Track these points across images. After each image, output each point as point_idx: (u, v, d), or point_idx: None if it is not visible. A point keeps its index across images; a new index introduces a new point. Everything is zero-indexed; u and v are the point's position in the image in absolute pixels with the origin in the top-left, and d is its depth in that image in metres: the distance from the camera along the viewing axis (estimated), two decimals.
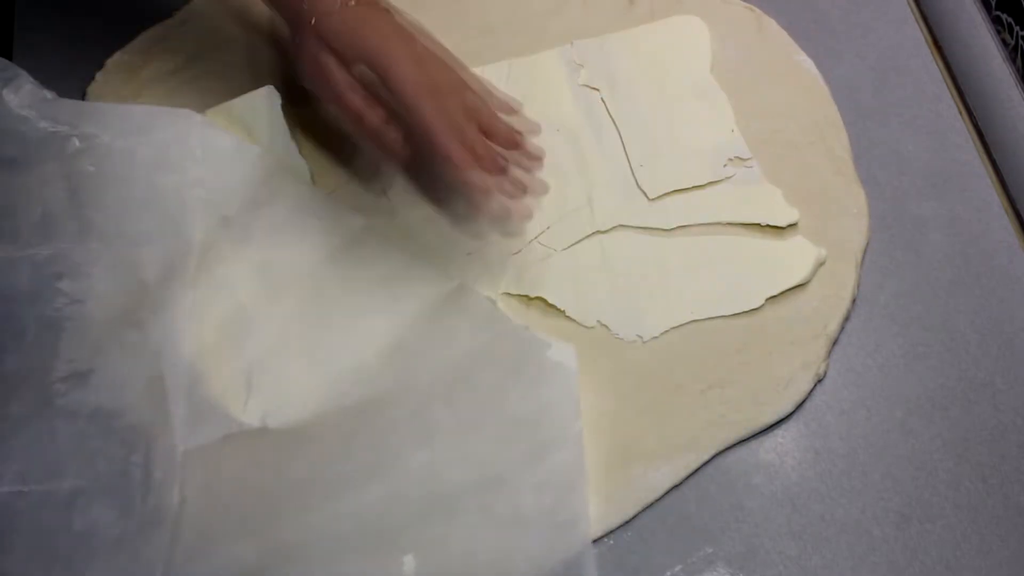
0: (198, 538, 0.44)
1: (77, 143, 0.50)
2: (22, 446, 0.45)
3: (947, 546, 0.48)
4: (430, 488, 0.46)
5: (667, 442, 0.50)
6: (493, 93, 0.55)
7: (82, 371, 0.46)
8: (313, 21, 0.52)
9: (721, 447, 0.50)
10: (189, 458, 0.46)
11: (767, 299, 0.54)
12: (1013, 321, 0.55)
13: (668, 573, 0.47)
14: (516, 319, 0.53)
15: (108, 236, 0.49)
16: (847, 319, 0.54)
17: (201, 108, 0.59)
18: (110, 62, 0.62)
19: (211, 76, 0.61)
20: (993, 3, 0.65)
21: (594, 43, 0.64)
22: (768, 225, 0.56)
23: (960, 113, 0.63)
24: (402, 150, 0.53)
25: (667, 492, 0.49)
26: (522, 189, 0.53)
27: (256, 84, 0.58)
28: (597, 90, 0.61)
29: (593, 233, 0.56)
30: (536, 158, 0.54)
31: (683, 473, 0.49)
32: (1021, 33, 0.63)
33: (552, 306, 0.53)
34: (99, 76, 0.62)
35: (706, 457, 0.50)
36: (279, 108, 0.56)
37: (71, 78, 0.62)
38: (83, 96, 0.61)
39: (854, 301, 0.55)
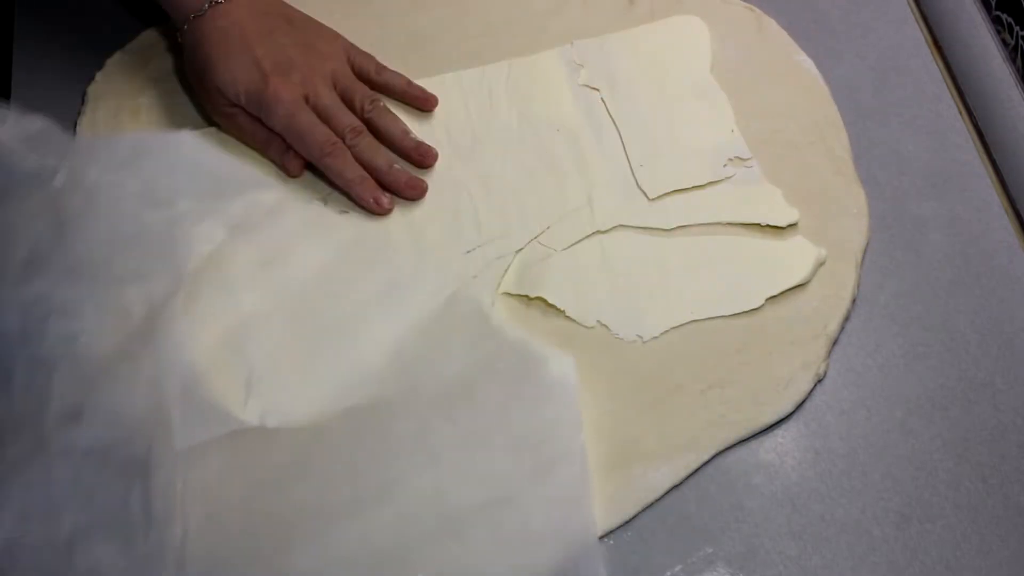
0: (204, 571, 0.43)
1: (64, 178, 0.50)
2: (19, 490, 0.44)
3: (947, 546, 0.48)
4: (439, 509, 0.45)
5: (667, 442, 0.50)
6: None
7: (75, 408, 0.45)
8: (183, 28, 0.57)
9: (721, 447, 0.50)
10: (190, 470, 0.45)
11: (767, 299, 0.54)
12: (1013, 321, 0.55)
13: (668, 573, 0.47)
14: (516, 319, 0.53)
15: (97, 274, 0.49)
16: (847, 319, 0.54)
17: (201, 109, 0.60)
18: (110, 62, 0.62)
19: None
20: (993, 3, 0.65)
21: (594, 43, 0.64)
22: (768, 225, 0.56)
23: (960, 113, 0.63)
24: (292, 164, 0.56)
25: (667, 492, 0.49)
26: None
27: None
28: (597, 90, 0.61)
29: (593, 233, 0.56)
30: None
31: (683, 473, 0.49)
32: (1021, 33, 0.63)
33: (552, 306, 0.53)
34: (99, 76, 0.62)
35: (706, 457, 0.50)
36: None
37: (71, 78, 0.62)
38: (83, 96, 0.61)
39: (854, 301, 0.55)
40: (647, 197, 0.57)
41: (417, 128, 0.59)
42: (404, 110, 0.60)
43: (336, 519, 0.45)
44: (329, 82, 0.57)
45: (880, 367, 0.53)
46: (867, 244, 0.57)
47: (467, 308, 0.51)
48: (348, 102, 0.57)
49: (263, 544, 0.44)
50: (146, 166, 0.52)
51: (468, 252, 0.55)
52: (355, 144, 0.56)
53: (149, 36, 0.64)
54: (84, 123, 0.60)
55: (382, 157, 0.56)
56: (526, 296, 0.54)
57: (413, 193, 0.56)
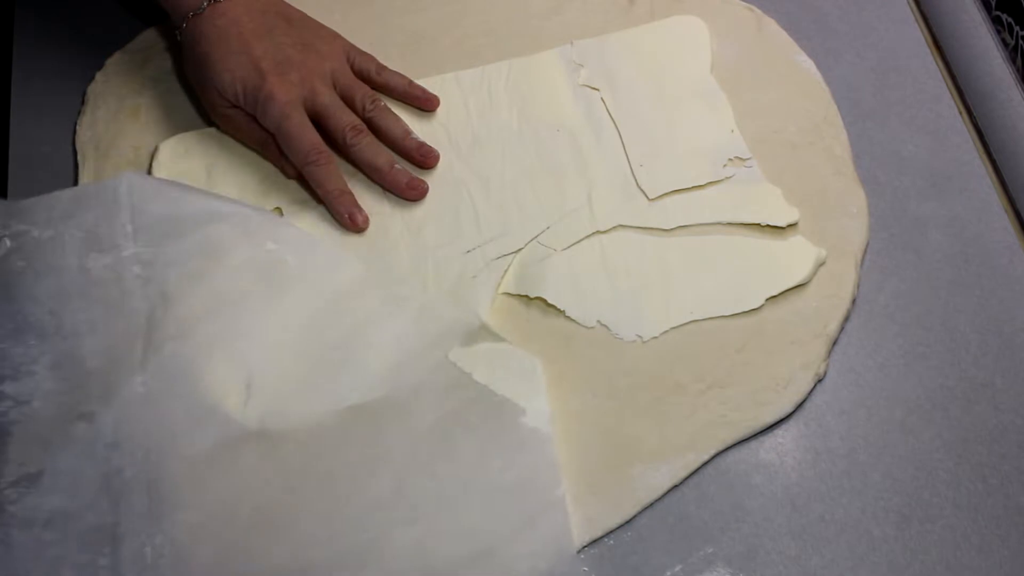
0: None
1: (8, 243, 0.48)
2: None
3: (947, 546, 0.48)
4: (422, 565, 0.44)
5: (667, 442, 0.50)
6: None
7: (33, 473, 0.43)
8: (181, 27, 0.56)
9: (721, 447, 0.50)
10: (158, 536, 0.43)
11: (767, 299, 0.54)
12: (1013, 321, 0.55)
13: (668, 573, 0.47)
14: (516, 319, 0.53)
15: (46, 331, 0.47)
16: (847, 319, 0.54)
17: (201, 109, 0.60)
18: (110, 62, 0.62)
19: None
20: (993, 3, 0.65)
21: (594, 43, 0.64)
22: (768, 225, 0.56)
23: (960, 113, 0.63)
24: (289, 167, 0.56)
25: (667, 492, 0.49)
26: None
27: None
28: (597, 90, 0.61)
29: (593, 233, 0.56)
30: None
31: (683, 473, 0.49)
32: (1021, 33, 0.63)
33: (552, 306, 0.53)
34: (99, 76, 0.62)
35: (706, 457, 0.50)
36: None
37: (71, 78, 0.62)
38: (83, 96, 0.61)
39: (854, 301, 0.55)
40: (647, 197, 0.57)
41: (417, 128, 0.59)
42: (405, 110, 0.60)
43: None
44: (329, 81, 0.57)
45: (880, 367, 0.53)
46: (867, 244, 0.57)
47: (435, 359, 0.49)
48: (348, 102, 0.57)
49: None
50: (87, 215, 0.49)
51: (468, 252, 0.55)
52: (355, 143, 0.55)
53: (149, 36, 0.64)
54: (84, 123, 0.60)
55: (383, 157, 0.56)
56: (526, 296, 0.54)
57: (414, 194, 0.56)
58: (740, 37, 0.65)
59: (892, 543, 0.48)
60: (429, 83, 0.61)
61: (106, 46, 0.63)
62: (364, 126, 0.56)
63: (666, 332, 0.53)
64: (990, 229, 0.58)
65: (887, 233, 0.58)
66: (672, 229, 0.56)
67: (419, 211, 0.57)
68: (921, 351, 0.54)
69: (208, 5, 0.55)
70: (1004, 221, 0.58)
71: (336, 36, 0.60)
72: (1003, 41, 0.64)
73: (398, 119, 0.58)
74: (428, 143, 0.58)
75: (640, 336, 0.53)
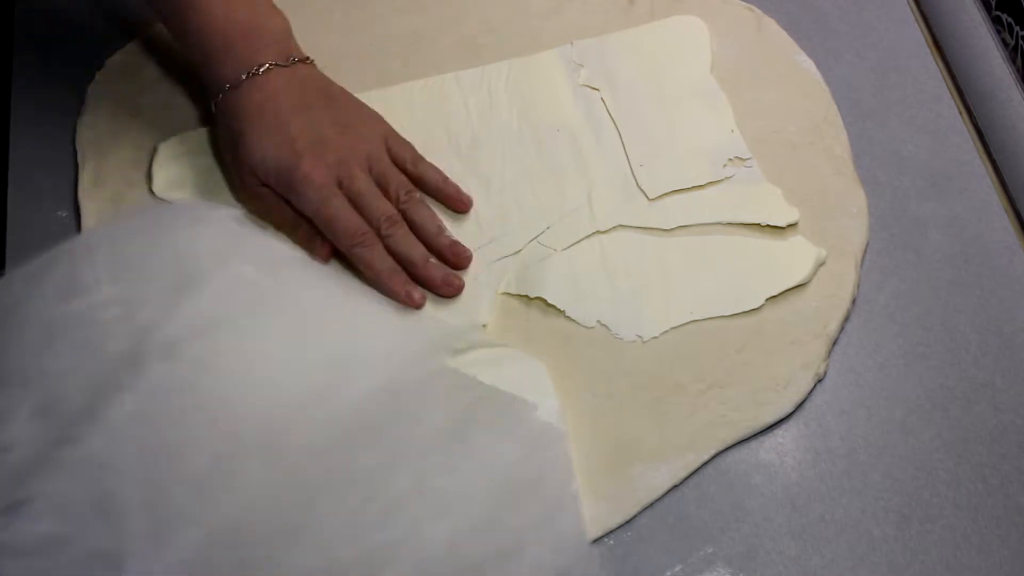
0: None
1: None
2: None
3: (947, 546, 0.48)
4: (454, 560, 0.44)
5: (667, 442, 0.50)
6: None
7: (19, 501, 0.42)
8: (217, 99, 0.54)
9: (721, 447, 0.50)
10: (165, 551, 0.42)
11: (767, 299, 0.54)
12: (1013, 321, 0.54)
13: (668, 573, 0.47)
14: (516, 319, 0.53)
15: (26, 378, 0.45)
16: (847, 319, 0.54)
17: (201, 109, 0.60)
18: (110, 62, 0.62)
19: None
20: (993, 3, 0.65)
21: (594, 43, 0.64)
22: (768, 225, 0.56)
23: (960, 113, 0.63)
24: (321, 251, 0.53)
25: (667, 492, 0.49)
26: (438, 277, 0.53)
27: None
28: (597, 90, 0.61)
29: (593, 233, 0.56)
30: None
31: (683, 473, 0.49)
32: (1021, 33, 0.63)
33: (552, 306, 0.53)
34: (99, 76, 0.62)
35: (706, 457, 0.50)
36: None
37: (71, 78, 0.62)
38: (83, 96, 0.61)
39: (854, 301, 0.55)
40: (647, 197, 0.57)
41: (417, 131, 0.59)
42: (406, 110, 0.60)
43: None
44: (365, 166, 0.54)
45: (880, 367, 0.53)
46: (867, 244, 0.57)
47: (436, 363, 0.49)
48: (383, 189, 0.54)
49: None
50: (60, 267, 0.48)
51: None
52: (390, 234, 0.53)
53: (149, 36, 0.64)
54: (84, 123, 0.60)
55: (417, 250, 0.53)
56: (526, 296, 0.54)
57: (449, 291, 0.53)
58: (740, 37, 0.65)
59: (892, 543, 0.48)
60: (429, 83, 0.61)
61: (106, 46, 0.63)
62: (399, 217, 0.54)
63: (666, 332, 0.53)
64: (990, 229, 0.58)
65: (887, 233, 0.58)
66: (672, 229, 0.56)
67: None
68: (921, 351, 0.54)
69: (246, 79, 0.53)
70: (1004, 221, 0.58)
71: (378, 119, 0.57)
72: (1003, 41, 0.64)
73: (433, 214, 0.55)
74: (462, 243, 0.55)
75: (640, 336, 0.53)
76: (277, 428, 0.46)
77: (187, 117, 0.60)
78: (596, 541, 0.47)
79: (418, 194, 0.55)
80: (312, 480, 0.45)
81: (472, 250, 0.55)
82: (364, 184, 0.53)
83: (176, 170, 0.58)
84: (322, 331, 0.49)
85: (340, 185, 0.53)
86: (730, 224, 0.56)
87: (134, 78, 0.62)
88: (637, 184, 0.57)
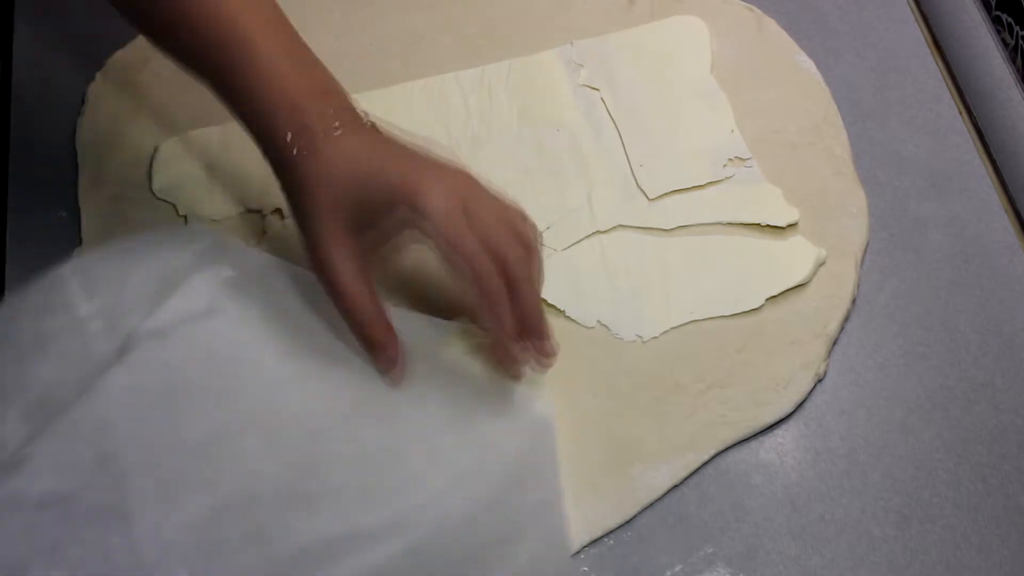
0: None
1: None
2: None
3: (947, 546, 0.48)
4: (471, 535, 0.44)
5: (667, 442, 0.50)
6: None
7: (17, 460, 0.41)
8: (295, 152, 0.46)
9: (721, 447, 0.50)
10: (176, 512, 0.42)
11: (767, 299, 0.54)
12: (1013, 321, 0.54)
13: (668, 573, 0.47)
14: None
15: (8, 393, 0.44)
16: (847, 319, 0.54)
17: (201, 109, 0.60)
18: (110, 62, 0.62)
19: None
20: (993, 3, 0.65)
21: (594, 43, 0.64)
22: (768, 225, 0.56)
23: (960, 113, 0.63)
24: (396, 369, 0.47)
25: (667, 492, 0.49)
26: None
27: None
28: (597, 90, 0.61)
29: (593, 233, 0.56)
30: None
31: (683, 473, 0.49)
32: (1021, 33, 0.63)
33: (552, 306, 0.53)
34: (99, 76, 0.62)
35: (706, 457, 0.50)
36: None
37: (71, 78, 0.62)
38: (83, 96, 0.61)
39: (854, 301, 0.55)
40: (647, 197, 0.57)
41: (417, 129, 0.58)
42: (406, 110, 0.60)
43: (353, 550, 0.42)
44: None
45: (880, 367, 0.53)
46: (867, 244, 0.57)
47: (432, 356, 0.49)
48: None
49: None
50: (44, 291, 0.47)
51: None
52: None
53: None
54: (84, 123, 0.60)
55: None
56: None
57: (548, 362, 0.48)
58: (740, 37, 0.65)
59: (892, 543, 0.48)
60: (429, 83, 0.61)
61: (106, 46, 0.63)
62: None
63: (666, 332, 0.53)
64: (990, 229, 0.58)
65: (887, 233, 0.58)
66: (672, 229, 0.56)
67: None
68: (921, 351, 0.54)
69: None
70: (1004, 221, 0.58)
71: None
72: (1003, 41, 0.64)
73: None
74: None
75: (640, 336, 0.53)
76: (277, 407, 0.45)
77: (187, 117, 0.60)
78: (596, 541, 0.47)
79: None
80: (320, 455, 0.45)
81: None
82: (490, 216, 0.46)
83: (176, 170, 0.58)
84: (313, 322, 0.48)
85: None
86: (730, 224, 0.56)
87: (134, 78, 0.62)
88: (637, 184, 0.57)
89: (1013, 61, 0.63)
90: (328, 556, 0.42)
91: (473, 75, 0.62)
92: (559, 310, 0.53)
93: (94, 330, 0.46)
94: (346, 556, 0.42)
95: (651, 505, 0.48)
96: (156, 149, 0.58)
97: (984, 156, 0.61)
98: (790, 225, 0.56)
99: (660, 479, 0.49)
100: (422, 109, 0.61)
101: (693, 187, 0.57)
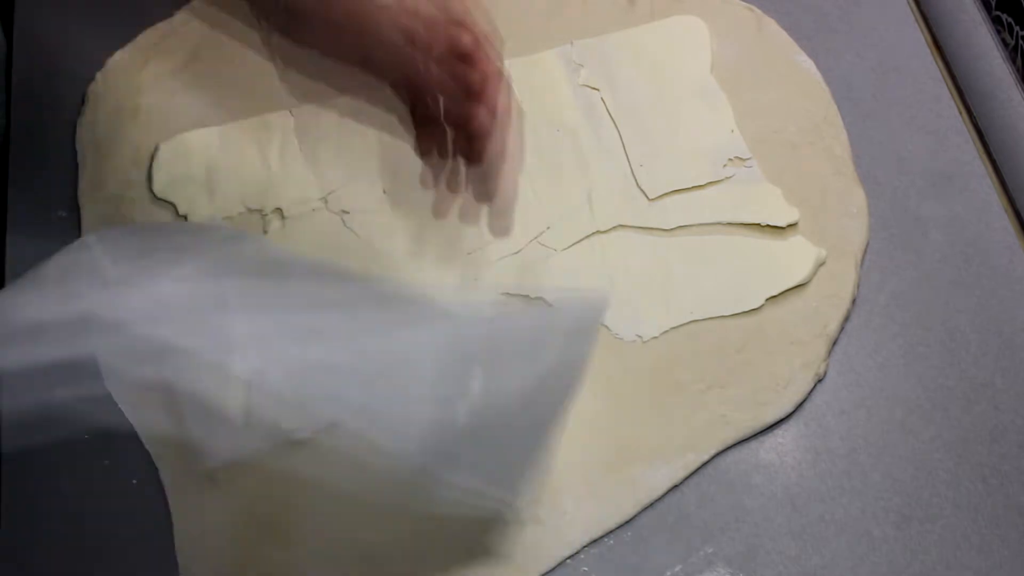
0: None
1: None
2: None
3: (947, 546, 0.48)
4: (522, 415, 0.42)
5: (667, 442, 0.50)
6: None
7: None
8: None
9: (721, 447, 0.50)
10: None
11: (767, 299, 0.54)
12: (1013, 321, 0.54)
13: (668, 573, 0.47)
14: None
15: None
16: (847, 319, 0.54)
17: (201, 109, 0.60)
18: (110, 62, 0.62)
19: (211, 76, 0.61)
20: (993, 3, 0.65)
21: (594, 43, 0.64)
22: (768, 225, 0.56)
23: (960, 113, 0.63)
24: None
25: (667, 492, 0.49)
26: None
27: (256, 84, 0.58)
28: (597, 90, 0.61)
29: (593, 233, 0.56)
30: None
31: (683, 473, 0.49)
32: (1021, 33, 0.63)
33: (552, 306, 0.53)
34: (99, 76, 0.62)
35: (706, 457, 0.50)
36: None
37: (71, 78, 0.62)
38: (83, 96, 0.61)
39: (854, 301, 0.55)
40: (647, 197, 0.57)
41: None
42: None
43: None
44: None
45: (880, 367, 0.53)
46: (867, 244, 0.57)
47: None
48: None
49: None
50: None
51: (469, 253, 0.55)
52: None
53: (149, 36, 0.64)
54: (84, 123, 0.60)
55: None
56: (526, 296, 0.54)
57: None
58: (740, 37, 0.65)
59: (892, 543, 0.48)
60: None
61: (106, 46, 0.63)
62: None
63: (666, 332, 0.53)
64: (990, 229, 0.58)
65: (887, 233, 0.58)
66: (672, 229, 0.56)
67: (421, 213, 0.57)
68: (921, 351, 0.54)
69: None
70: (1004, 221, 0.58)
71: None
72: (1003, 41, 0.64)
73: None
74: None
75: (640, 336, 0.53)
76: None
77: (187, 117, 0.60)
78: (596, 541, 0.47)
79: None
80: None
81: (472, 251, 0.55)
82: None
83: (176, 170, 0.58)
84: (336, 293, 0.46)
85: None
86: (730, 224, 0.56)
87: (134, 78, 0.62)
88: (637, 184, 0.57)
89: (1013, 61, 0.63)
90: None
91: None
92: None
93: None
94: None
95: (651, 505, 0.48)
96: (156, 149, 0.58)
97: (984, 156, 0.61)
98: (790, 225, 0.56)
99: (660, 479, 0.49)
100: None
101: (693, 187, 0.57)
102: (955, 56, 0.65)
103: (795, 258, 0.55)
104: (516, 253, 0.55)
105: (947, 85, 0.64)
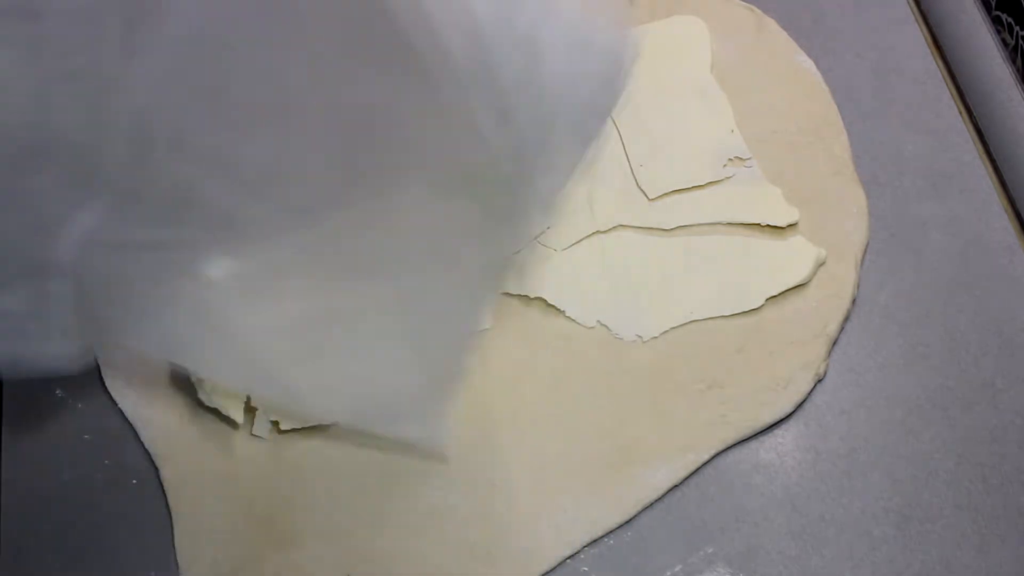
0: None
1: None
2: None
3: (947, 546, 0.48)
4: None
5: (667, 442, 0.50)
6: None
7: None
8: None
9: (721, 447, 0.50)
10: None
11: (767, 299, 0.54)
12: (1013, 321, 0.54)
13: (668, 573, 0.47)
14: (516, 319, 0.53)
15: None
16: (847, 319, 0.54)
17: None
18: None
19: None
20: (993, 3, 0.65)
21: None
22: (768, 225, 0.56)
23: (960, 113, 0.63)
24: None
25: (667, 492, 0.49)
26: None
27: None
28: None
29: (593, 233, 0.56)
30: None
31: (683, 473, 0.49)
32: (1021, 33, 0.63)
33: (552, 306, 0.53)
34: None
35: (706, 457, 0.50)
36: None
37: None
38: None
39: (854, 301, 0.55)
40: (647, 197, 0.57)
41: None
42: None
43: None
44: None
45: (880, 367, 0.53)
46: (867, 244, 0.57)
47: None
48: None
49: None
50: None
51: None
52: None
53: None
54: None
55: None
56: (526, 296, 0.54)
57: None
58: (740, 37, 0.65)
59: (892, 543, 0.48)
60: None
61: None
62: None
63: (666, 332, 0.53)
64: (990, 229, 0.58)
65: (887, 233, 0.58)
66: (672, 229, 0.56)
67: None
68: (921, 351, 0.54)
69: None
70: (1004, 221, 0.58)
71: None
72: (1003, 41, 0.64)
73: None
74: None
75: (640, 336, 0.53)
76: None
77: None
78: (596, 541, 0.47)
79: None
80: None
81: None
82: None
83: None
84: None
85: None
86: (730, 224, 0.56)
87: None
88: (637, 184, 0.58)
89: (1013, 61, 0.63)
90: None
91: None
92: (559, 310, 0.53)
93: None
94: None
95: (651, 505, 0.48)
96: None
97: (984, 156, 0.61)
98: (790, 225, 0.56)
99: (660, 479, 0.49)
100: None
101: (693, 187, 0.57)
102: (955, 56, 0.65)
103: (795, 258, 0.55)
104: (516, 253, 0.55)
105: (947, 85, 0.64)
